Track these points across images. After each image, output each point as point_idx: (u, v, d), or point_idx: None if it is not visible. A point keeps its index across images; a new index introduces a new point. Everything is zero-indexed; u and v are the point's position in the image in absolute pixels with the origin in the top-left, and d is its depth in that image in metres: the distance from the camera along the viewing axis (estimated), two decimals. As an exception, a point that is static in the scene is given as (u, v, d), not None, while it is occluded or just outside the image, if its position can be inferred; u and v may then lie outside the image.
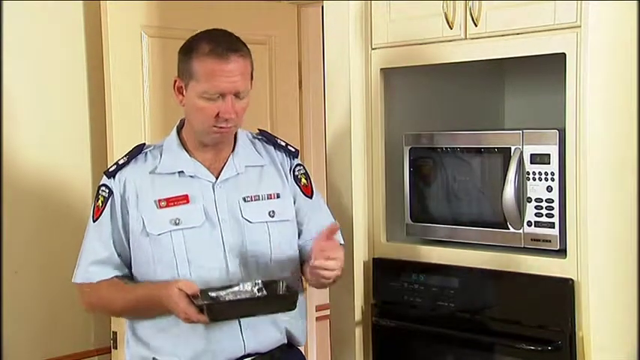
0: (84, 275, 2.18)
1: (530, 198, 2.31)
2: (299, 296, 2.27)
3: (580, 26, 2.15)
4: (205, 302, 2.02)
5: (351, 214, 2.61)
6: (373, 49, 2.59)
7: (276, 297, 2.09)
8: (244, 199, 2.20)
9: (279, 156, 2.31)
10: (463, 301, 2.41)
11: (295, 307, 2.10)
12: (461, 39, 2.38)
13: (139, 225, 2.14)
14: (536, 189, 2.30)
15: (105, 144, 2.97)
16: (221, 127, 2.12)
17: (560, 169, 2.25)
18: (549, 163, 2.27)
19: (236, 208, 2.19)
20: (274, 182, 2.26)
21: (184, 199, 2.16)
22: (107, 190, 2.18)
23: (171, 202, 2.15)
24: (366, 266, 2.63)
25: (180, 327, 2.11)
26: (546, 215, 2.28)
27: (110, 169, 2.21)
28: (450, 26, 2.39)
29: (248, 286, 2.08)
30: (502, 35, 2.30)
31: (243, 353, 2.15)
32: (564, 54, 2.18)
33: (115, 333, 2.98)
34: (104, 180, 2.20)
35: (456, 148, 2.49)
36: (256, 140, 2.31)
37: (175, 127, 2.25)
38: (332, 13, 2.67)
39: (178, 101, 2.18)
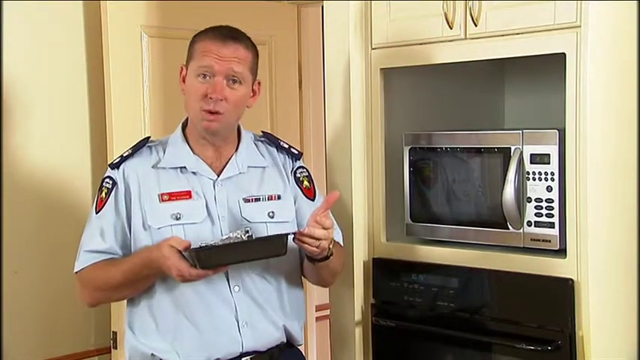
0: (81, 261, 2.17)
1: (530, 198, 2.31)
2: (300, 298, 2.28)
3: (580, 26, 2.15)
4: (194, 249, 2.01)
5: (351, 214, 2.61)
6: (373, 49, 2.59)
7: (265, 240, 2.08)
8: (244, 200, 2.20)
9: (282, 158, 2.32)
10: (463, 301, 2.41)
11: (285, 251, 2.06)
12: (461, 39, 2.38)
13: (139, 217, 2.15)
14: (536, 189, 2.30)
15: (105, 143, 2.98)
16: (209, 112, 2.12)
17: (560, 169, 2.25)
18: (549, 163, 2.27)
19: (236, 207, 2.19)
20: (275, 184, 2.27)
21: (187, 195, 2.17)
22: (111, 182, 2.18)
23: (173, 196, 2.16)
24: (366, 266, 2.63)
25: (178, 324, 2.12)
26: (546, 215, 2.28)
27: (114, 161, 2.22)
28: (449, 26, 2.39)
29: (238, 234, 2.07)
30: (502, 35, 2.30)
31: (241, 351, 2.15)
32: (564, 54, 2.18)
33: (114, 333, 2.98)
34: (108, 172, 2.21)
35: (456, 148, 2.49)
36: (259, 142, 2.32)
37: (181, 123, 2.27)
38: (332, 13, 2.67)
39: (181, 89, 2.21)
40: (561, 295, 2.20)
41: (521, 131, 2.34)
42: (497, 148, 2.38)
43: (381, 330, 2.58)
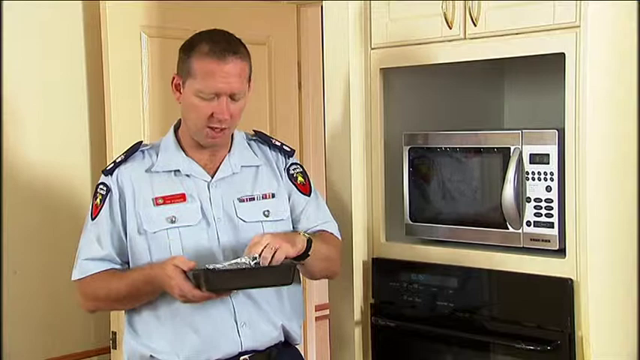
0: (80, 270, 2.18)
1: (529, 198, 2.31)
2: (298, 296, 2.28)
3: (579, 26, 2.15)
4: (201, 269, 2.01)
5: (351, 214, 2.61)
6: (372, 49, 2.59)
7: (272, 268, 2.07)
8: (239, 200, 2.21)
9: (274, 156, 2.32)
10: (462, 300, 2.41)
11: (291, 280, 2.08)
12: (460, 39, 2.38)
13: (135, 222, 2.16)
14: (535, 189, 2.30)
15: (104, 144, 2.98)
16: (214, 129, 2.13)
17: (559, 169, 2.25)
18: (549, 163, 2.27)
19: (230, 208, 2.20)
20: (269, 182, 2.27)
21: (181, 198, 2.17)
22: (105, 188, 2.19)
23: (168, 199, 2.16)
24: (366, 266, 2.63)
25: (177, 325, 2.12)
26: (545, 215, 2.28)
27: (108, 168, 2.22)
28: (449, 26, 2.39)
29: (245, 260, 2.06)
30: (501, 35, 2.30)
31: (239, 351, 2.15)
32: (564, 54, 2.18)
33: (114, 333, 2.98)
34: (102, 178, 2.21)
35: (456, 148, 2.49)
36: (252, 141, 2.32)
37: (173, 126, 2.27)
38: (331, 13, 2.67)
39: (175, 98, 2.20)
40: (561, 294, 2.21)
41: (520, 131, 2.34)
42: (496, 148, 2.38)
43: (381, 330, 2.58)
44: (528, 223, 2.32)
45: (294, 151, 2.37)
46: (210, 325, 2.12)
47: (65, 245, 2.51)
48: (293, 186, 2.31)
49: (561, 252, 2.24)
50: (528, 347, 2.23)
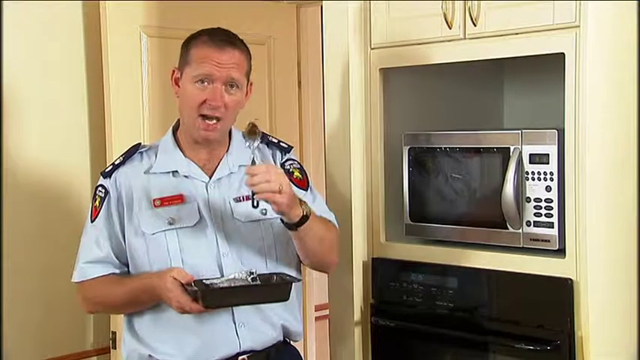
0: (80, 273, 2.19)
1: (529, 198, 2.31)
2: (296, 291, 2.28)
3: (579, 26, 2.15)
4: (199, 288, 2.02)
5: (351, 214, 2.61)
6: (372, 48, 2.59)
7: (270, 286, 2.09)
8: (236, 200, 2.20)
9: (272, 153, 2.31)
10: (462, 300, 2.41)
11: (288, 297, 2.09)
12: (460, 39, 2.38)
13: (133, 224, 2.16)
14: (535, 189, 2.30)
15: (104, 144, 2.98)
16: (207, 119, 2.12)
17: (559, 168, 2.25)
18: (548, 163, 2.27)
19: (228, 208, 2.19)
20: None
21: (179, 199, 2.17)
22: (103, 191, 2.19)
23: (165, 201, 2.16)
24: (365, 266, 2.63)
25: (175, 326, 2.12)
26: (545, 215, 2.28)
27: (106, 170, 2.22)
28: (449, 26, 2.39)
29: (243, 275, 2.08)
30: (501, 35, 2.30)
31: (238, 351, 2.15)
32: (563, 54, 2.18)
33: (114, 333, 2.98)
34: (101, 180, 2.21)
35: (455, 147, 2.49)
36: None
37: (171, 127, 2.26)
38: (331, 12, 2.67)
39: (174, 92, 2.20)
40: (560, 294, 2.21)
41: (520, 131, 2.34)
42: (496, 148, 2.38)
43: (380, 330, 2.58)
44: (528, 223, 2.32)
45: (292, 147, 2.36)
46: (209, 326, 2.12)
47: (65, 245, 2.51)
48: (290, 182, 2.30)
49: (561, 252, 2.24)
50: (528, 347, 2.24)
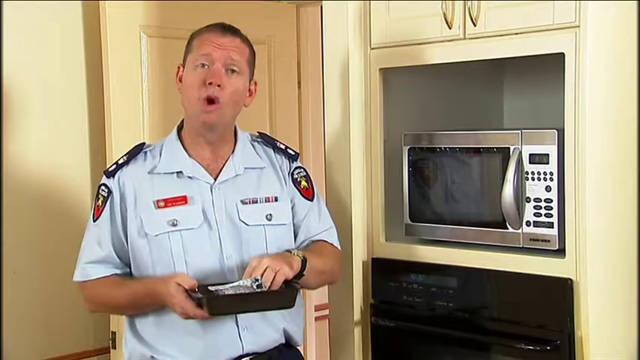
0: (82, 273, 2.18)
1: (529, 198, 2.31)
2: (297, 295, 2.28)
3: (579, 26, 2.15)
4: (204, 295, 2.01)
5: (350, 214, 2.61)
6: (372, 48, 2.59)
7: (275, 293, 2.07)
8: (242, 202, 2.19)
9: (279, 159, 2.30)
10: (462, 301, 2.41)
11: (294, 304, 2.08)
12: (460, 39, 2.38)
13: (136, 225, 2.14)
14: (534, 189, 2.30)
15: (104, 144, 2.98)
16: (207, 100, 2.11)
17: (559, 169, 2.25)
18: (548, 163, 2.27)
19: (233, 211, 2.18)
20: (273, 185, 2.26)
21: (183, 200, 2.15)
22: (107, 190, 2.17)
23: (169, 202, 2.14)
24: (365, 266, 2.63)
25: (178, 328, 2.11)
26: (545, 215, 2.28)
27: (110, 169, 2.20)
28: (448, 26, 2.39)
29: (247, 282, 2.06)
30: (501, 35, 2.30)
31: (241, 353, 2.14)
32: (563, 54, 2.18)
33: (113, 333, 2.98)
34: (104, 180, 2.20)
35: (455, 148, 2.49)
36: (256, 142, 2.31)
37: (176, 126, 2.25)
38: (331, 12, 2.67)
39: (177, 89, 2.20)
40: (560, 295, 2.20)
41: (520, 131, 2.34)
42: (496, 148, 2.38)
43: (380, 330, 2.58)
44: (528, 223, 2.32)
45: (299, 154, 2.36)
46: (213, 330, 2.11)
47: (64, 245, 2.52)
48: (296, 191, 2.29)
49: (561, 252, 2.24)
50: (528, 347, 2.23)
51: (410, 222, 2.59)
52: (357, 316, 2.63)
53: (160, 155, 2.20)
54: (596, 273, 2.19)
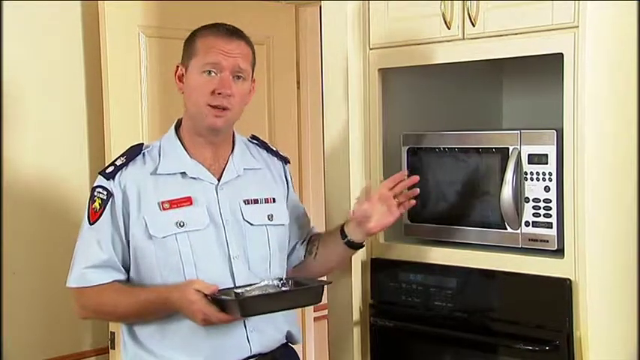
0: (80, 279, 2.12)
1: (527, 198, 2.31)
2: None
3: (578, 26, 2.15)
4: (237, 298, 2.01)
5: (350, 215, 2.60)
6: (371, 49, 2.59)
7: (304, 290, 2.10)
8: (245, 202, 2.20)
9: (273, 161, 2.34)
10: (461, 301, 2.41)
11: (321, 299, 2.11)
12: (459, 39, 2.38)
13: (140, 228, 2.10)
14: (533, 189, 2.30)
15: (103, 144, 2.98)
16: (216, 108, 2.11)
17: (557, 169, 2.25)
18: (547, 164, 2.27)
19: (237, 210, 2.18)
20: (270, 187, 2.28)
21: (188, 201, 2.13)
22: (105, 192, 2.12)
23: (174, 203, 2.11)
24: (364, 266, 2.63)
25: (184, 333, 2.08)
26: (544, 215, 2.28)
27: (107, 171, 2.15)
28: (447, 26, 2.39)
29: (272, 282, 2.09)
30: (500, 35, 2.30)
31: (248, 355, 2.14)
32: (562, 54, 2.18)
33: (112, 333, 2.98)
34: (101, 181, 2.14)
35: (454, 148, 2.49)
36: (250, 144, 2.33)
37: (173, 126, 2.24)
38: (330, 13, 2.67)
39: (178, 89, 2.19)
40: (559, 295, 2.20)
41: (519, 131, 2.34)
42: (495, 148, 2.38)
43: (379, 330, 2.58)
44: (527, 224, 2.32)
45: (289, 159, 2.43)
46: (221, 333, 2.09)
47: (64, 246, 2.50)
48: (292, 193, 2.37)
49: (560, 252, 2.24)
50: (527, 347, 2.23)
51: (409, 222, 2.59)
52: (356, 316, 2.63)
53: (160, 156, 2.17)
54: (595, 273, 2.19)
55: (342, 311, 2.66)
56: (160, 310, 2.07)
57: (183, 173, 2.16)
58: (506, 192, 2.32)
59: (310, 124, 3.76)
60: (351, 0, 2.60)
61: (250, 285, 2.09)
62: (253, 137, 2.36)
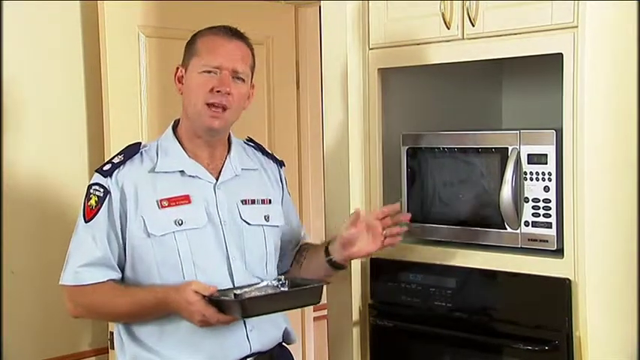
0: (75, 277, 2.11)
1: (527, 198, 2.31)
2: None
3: (577, 26, 2.15)
4: (237, 298, 2.01)
5: (349, 215, 2.61)
6: (370, 49, 2.59)
7: (304, 290, 2.11)
8: (242, 202, 2.20)
9: (268, 163, 2.35)
10: (460, 301, 2.41)
11: (320, 300, 2.12)
12: (458, 39, 2.38)
13: (138, 226, 2.09)
14: (533, 189, 2.30)
15: (102, 144, 2.97)
16: (214, 106, 2.11)
17: (557, 169, 2.25)
18: (546, 164, 2.27)
19: (235, 210, 2.19)
20: (266, 188, 2.29)
21: (186, 199, 2.13)
22: (102, 190, 2.11)
23: (172, 202, 2.12)
24: (364, 266, 2.63)
25: (184, 332, 2.08)
26: (543, 215, 2.28)
27: (105, 168, 2.14)
28: (447, 26, 2.39)
29: (272, 282, 2.09)
30: (499, 35, 2.30)
31: (248, 353, 2.15)
32: (561, 54, 2.18)
33: (112, 333, 2.95)
34: (98, 179, 2.13)
35: (454, 148, 2.49)
36: (246, 146, 2.34)
37: (170, 126, 2.24)
38: (329, 13, 2.67)
39: (177, 89, 2.19)
40: (559, 295, 2.21)
41: (518, 131, 2.34)
42: (494, 148, 2.38)
43: (379, 330, 2.58)
44: (526, 224, 2.32)
45: (284, 162, 2.43)
46: (221, 332, 2.09)
47: (62, 246, 2.50)
48: (287, 195, 2.38)
49: (559, 252, 2.24)
50: (526, 347, 2.23)
51: (408, 222, 2.58)
52: (355, 316, 2.63)
53: (158, 154, 2.18)
54: (595, 273, 2.19)
55: (342, 311, 2.66)
56: (156, 310, 2.07)
57: (182, 172, 2.16)
58: (506, 192, 2.32)
59: (310, 123, 3.76)
60: (351, 0, 2.60)
61: (249, 285, 2.09)
62: (249, 140, 2.37)
